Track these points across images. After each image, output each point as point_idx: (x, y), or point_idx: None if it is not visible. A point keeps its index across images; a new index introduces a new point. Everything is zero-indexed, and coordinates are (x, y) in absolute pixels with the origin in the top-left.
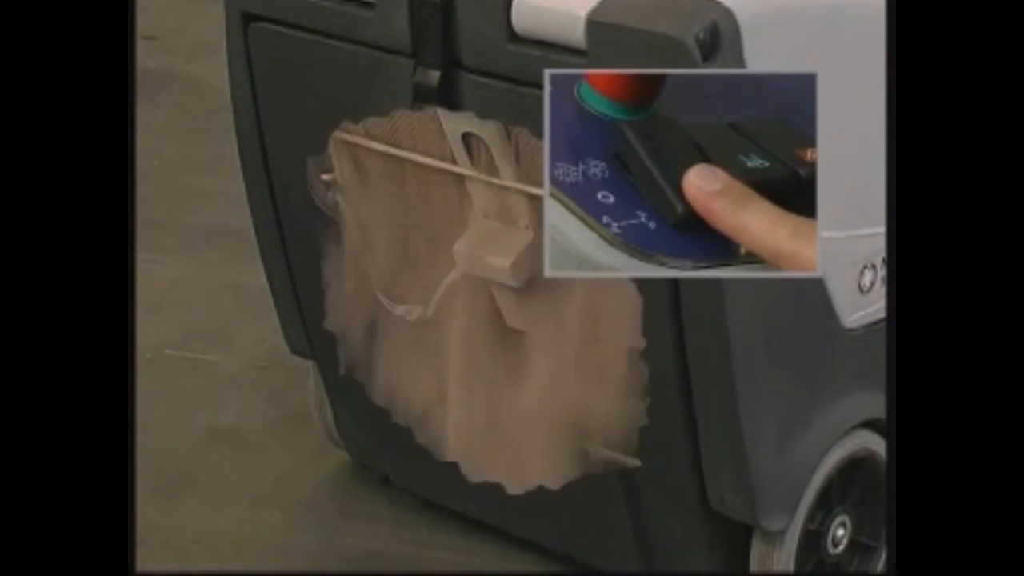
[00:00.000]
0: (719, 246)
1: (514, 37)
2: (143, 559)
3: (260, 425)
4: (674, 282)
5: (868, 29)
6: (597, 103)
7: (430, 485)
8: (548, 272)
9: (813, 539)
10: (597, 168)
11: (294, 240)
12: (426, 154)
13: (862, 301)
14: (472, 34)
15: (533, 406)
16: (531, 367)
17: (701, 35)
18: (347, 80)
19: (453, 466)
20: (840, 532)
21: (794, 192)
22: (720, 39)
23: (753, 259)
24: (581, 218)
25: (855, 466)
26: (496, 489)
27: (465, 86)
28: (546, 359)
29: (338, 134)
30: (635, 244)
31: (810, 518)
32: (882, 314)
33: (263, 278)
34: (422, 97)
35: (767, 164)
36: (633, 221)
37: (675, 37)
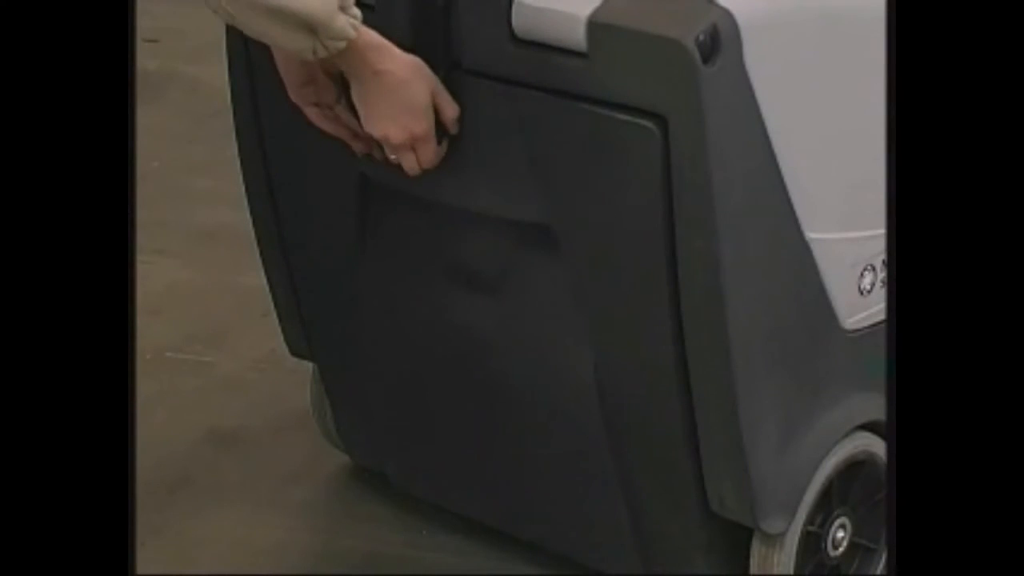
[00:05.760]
0: None
1: (515, 39)
2: (143, 561)
3: (260, 427)
4: (674, 282)
5: (867, 29)
6: None
7: (430, 487)
8: None
9: (813, 541)
10: None
11: (294, 241)
12: None
13: (862, 303)
14: (472, 35)
15: None
16: None
17: (701, 37)
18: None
19: (454, 467)
20: (840, 534)
21: None
22: (720, 41)
23: None
24: None
25: (855, 468)
26: (496, 491)
27: (465, 88)
28: None
29: None
30: None
31: (810, 520)
32: (882, 316)
33: (263, 280)
34: None
35: None
36: None
37: (675, 39)
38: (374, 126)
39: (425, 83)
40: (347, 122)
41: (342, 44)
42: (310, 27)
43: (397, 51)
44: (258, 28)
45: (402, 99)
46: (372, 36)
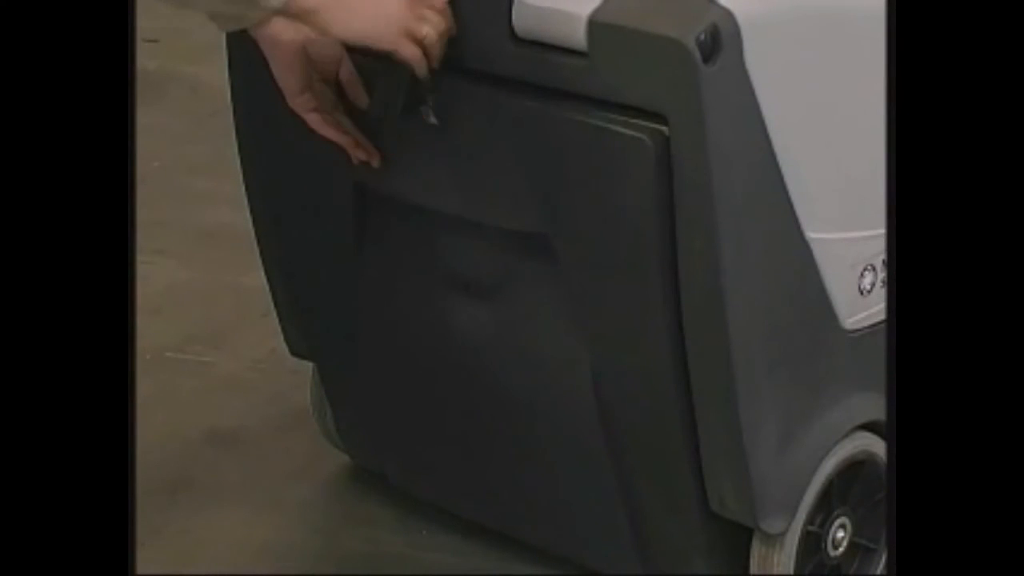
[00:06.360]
0: None
1: (515, 38)
2: (143, 561)
3: (260, 427)
4: (674, 282)
5: (868, 29)
6: None
7: (430, 487)
8: None
9: (813, 541)
10: None
11: (294, 241)
12: None
13: (862, 303)
14: (472, 35)
15: None
16: None
17: (702, 36)
18: None
19: (453, 468)
20: (840, 534)
21: None
22: (721, 40)
23: None
24: None
25: (855, 468)
26: (496, 492)
27: (463, 96)
28: None
29: None
30: None
31: (810, 520)
32: (882, 316)
33: (263, 279)
34: (419, 98)
35: None
36: None
37: (676, 38)
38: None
39: None
40: (348, 128)
41: (277, 3)
42: None
43: None
44: None
45: None
46: None
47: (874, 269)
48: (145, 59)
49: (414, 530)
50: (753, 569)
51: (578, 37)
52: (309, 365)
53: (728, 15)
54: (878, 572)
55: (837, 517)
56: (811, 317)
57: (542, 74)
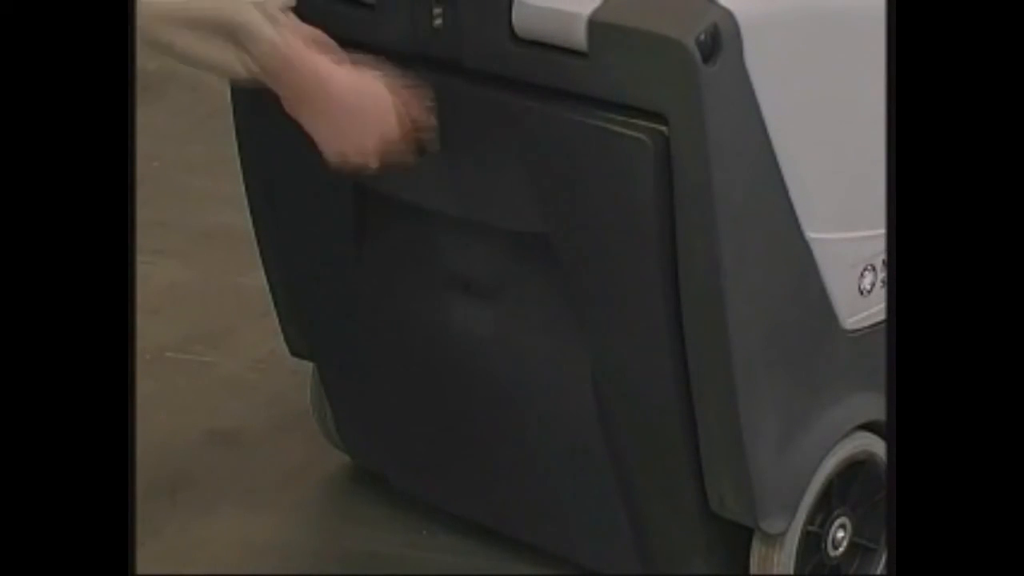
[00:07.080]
0: None
1: (515, 38)
2: (143, 561)
3: (260, 427)
4: (674, 282)
5: (868, 30)
6: None
7: (430, 487)
8: None
9: (813, 541)
10: None
11: (294, 241)
12: None
13: (862, 303)
14: (473, 35)
15: None
16: None
17: (702, 36)
18: None
19: (453, 468)
20: (840, 534)
21: None
22: (721, 40)
23: None
24: None
25: (855, 468)
26: (495, 492)
27: (464, 96)
28: None
29: None
30: None
31: (810, 520)
32: (882, 316)
33: (263, 280)
34: None
35: None
36: None
37: (676, 39)
38: (335, 145)
39: (382, 87)
40: None
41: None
42: (230, 32)
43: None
44: (182, 45)
45: (364, 104)
46: (303, 48)
47: (874, 269)
48: (145, 59)
49: (414, 530)
50: (753, 569)
51: (578, 37)
52: (309, 365)
53: (728, 15)
54: (878, 572)
55: (837, 517)
56: (811, 317)
57: (542, 74)
